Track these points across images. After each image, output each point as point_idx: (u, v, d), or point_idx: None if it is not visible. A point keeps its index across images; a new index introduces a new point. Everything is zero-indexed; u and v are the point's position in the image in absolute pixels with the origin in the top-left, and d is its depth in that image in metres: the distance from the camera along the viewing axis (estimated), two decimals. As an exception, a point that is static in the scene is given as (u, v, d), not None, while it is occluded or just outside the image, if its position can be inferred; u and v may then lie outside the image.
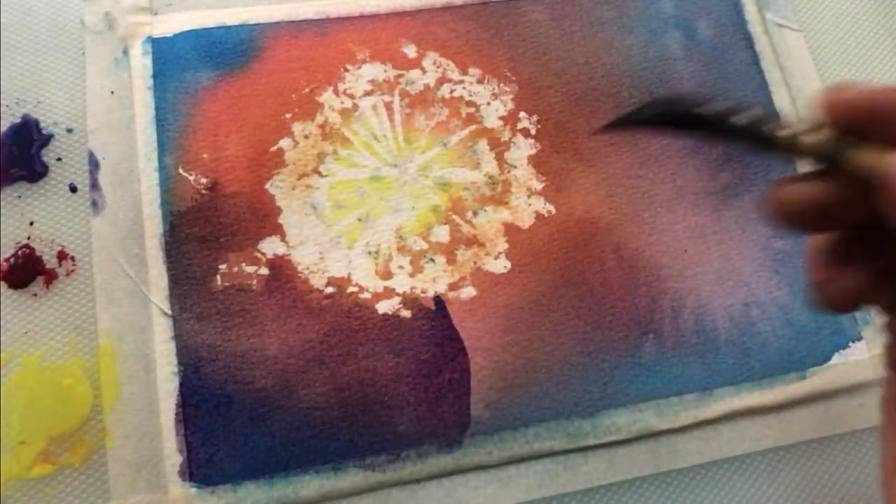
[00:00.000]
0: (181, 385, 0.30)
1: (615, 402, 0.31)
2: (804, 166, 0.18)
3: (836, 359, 0.33)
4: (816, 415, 0.32)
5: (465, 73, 0.36)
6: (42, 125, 0.33)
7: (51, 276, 0.31)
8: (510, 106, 0.35)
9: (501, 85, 0.36)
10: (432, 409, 0.30)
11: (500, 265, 0.33)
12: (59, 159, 0.32)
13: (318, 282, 0.32)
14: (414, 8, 0.36)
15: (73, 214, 0.32)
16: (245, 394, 0.30)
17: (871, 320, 0.34)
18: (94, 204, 0.32)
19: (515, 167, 0.34)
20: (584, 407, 0.31)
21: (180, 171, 0.32)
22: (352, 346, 0.31)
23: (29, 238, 0.31)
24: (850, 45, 0.39)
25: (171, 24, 0.35)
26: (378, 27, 0.36)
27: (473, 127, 0.35)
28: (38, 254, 0.31)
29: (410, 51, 0.36)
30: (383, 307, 0.31)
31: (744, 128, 0.18)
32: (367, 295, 0.32)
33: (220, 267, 0.31)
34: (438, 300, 0.32)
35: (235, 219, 0.32)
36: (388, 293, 0.32)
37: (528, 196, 0.34)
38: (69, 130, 0.33)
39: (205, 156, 0.33)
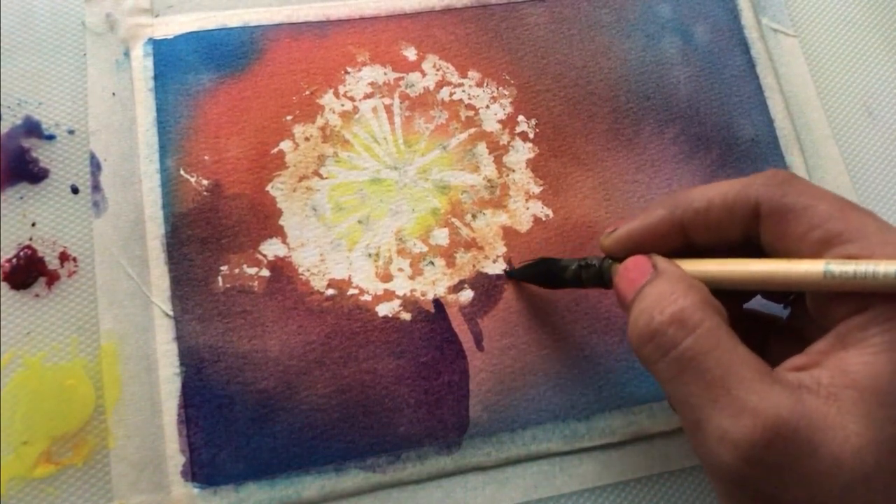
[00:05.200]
0: (183, 386, 0.30)
1: (610, 405, 0.32)
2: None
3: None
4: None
5: (464, 76, 0.36)
6: (44, 126, 0.33)
7: (53, 277, 0.31)
8: (509, 109, 0.36)
9: (500, 88, 0.36)
10: (432, 410, 0.31)
11: (499, 268, 0.33)
12: (60, 161, 0.33)
13: (318, 284, 0.32)
14: (414, 10, 0.37)
15: (74, 216, 0.32)
16: (247, 395, 0.30)
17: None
18: (96, 205, 0.32)
19: (514, 171, 0.35)
20: (579, 410, 0.31)
21: (182, 172, 0.33)
22: (352, 348, 0.31)
23: (31, 239, 0.31)
24: (844, 50, 0.40)
25: (173, 25, 0.35)
26: (378, 30, 0.36)
27: (472, 130, 0.35)
28: (39, 255, 0.31)
29: (410, 53, 0.36)
30: (383, 309, 0.32)
31: (576, 279, 0.29)
32: (367, 297, 0.32)
33: (222, 268, 0.32)
34: (438, 303, 0.32)
35: (237, 220, 0.32)
36: (389, 295, 0.32)
37: (526, 200, 0.34)
38: (71, 132, 0.33)
39: (206, 158, 0.33)
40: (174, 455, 0.29)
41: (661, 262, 0.25)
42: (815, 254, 0.23)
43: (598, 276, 0.28)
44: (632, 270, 0.25)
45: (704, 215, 0.25)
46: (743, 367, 0.21)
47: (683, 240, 0.26)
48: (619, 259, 0.27)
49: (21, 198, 0.32)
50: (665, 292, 0.23)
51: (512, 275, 0.33)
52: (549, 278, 0.31)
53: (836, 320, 0.22)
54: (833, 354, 0.22)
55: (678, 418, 0.32)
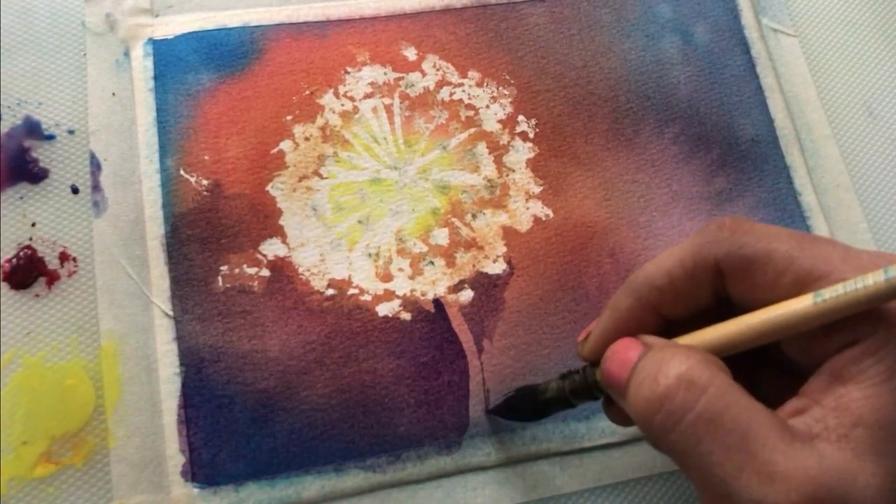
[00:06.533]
0: (183, 386, 0.30)
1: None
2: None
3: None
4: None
5: (464, 76, 0.36)
6: (44, 126, 0.33)
7: (53, 277, 0.31)
8: (509, 109, 0.36)
9: (500, 88, 0.36)
10: (432, 410, 0.31)
11: (499, 268, 0.33)
12: (60, 161, 0.33)
13: (318, 284, 0.32)
14: (414, 10, 0.37)
15: (74, 216, 0.32)
16: (247, 395, 0.30)
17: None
18: (96, 205, 0.32)
19: (514, 171, 0.35)
20: (579, 410, 0.31)
21: (182, 172, 0.33)
22: (352, 347, 0.31)
23: (31, 239, 0.31)
24: (845, 50, 0.40)
25: (173, 25, 0.35)
26: (378, 30, 0.36)
27: (472, 130, 0.35)
28: (39, 255, 0.31)
29: (410, 53, 0.36)
30: (383, 309, 0.32)
31: (560, 394, 0.27)
32: (367, 297, 0.32)
33: (222, 268, 0.32)
34: (438, 303, 0.32)
35: (236, 220, 0.32)
36: (389, 295, 0.32)
37: (527, 200, 0.34)
38: (70, 132, 0.33)
39: (206, 157, 0.33)
40: (174, 455, 0.29)
41: (649, 337, 0.24)
42: (792, 297, 0.22)
43: (583, 384, 0.26)
44: (621, 351, 0.24)
45: (670, 290, 0.24)
46: (762, 426, 0.20)
47: (658, 319, 0.25)
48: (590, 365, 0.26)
49: (21, 198, 0.32)
50: (665, 357, 0.22)
51: (493, 413, 0.31)
52: (532, 405, 0.28)
53: (825, 357, 0.22)
54: (830, 392, 0.21)
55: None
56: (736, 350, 0.23)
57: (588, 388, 0.26)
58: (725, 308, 0.24)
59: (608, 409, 0.27)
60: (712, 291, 0.24)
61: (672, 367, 0.22)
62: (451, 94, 0.36)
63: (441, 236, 0.33)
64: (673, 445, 0.21)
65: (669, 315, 0.25)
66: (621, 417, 0.26)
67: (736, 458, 0.20)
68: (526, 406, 0.29)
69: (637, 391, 0.22)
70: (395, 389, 0.31)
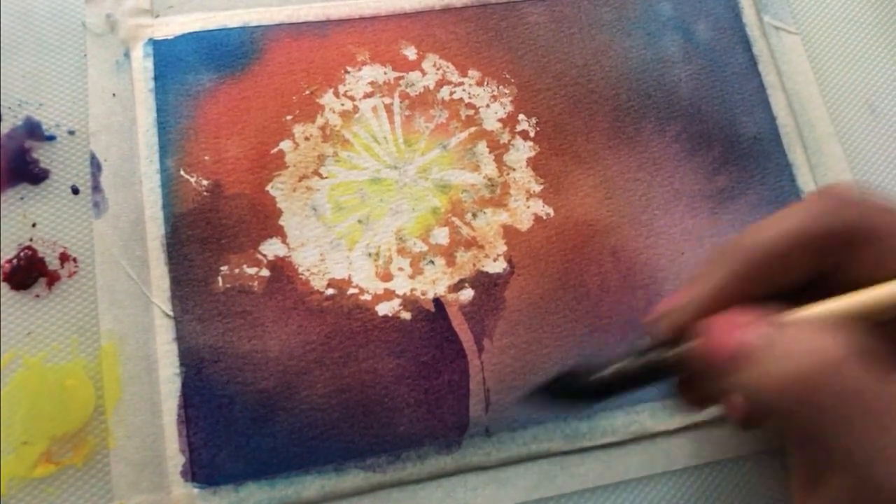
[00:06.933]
0: (183, 386, 0.30)
1: (611, 405, 0.31)
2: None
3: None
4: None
5: (464, 75, 0.36)
6: (44, 127, 0.33)
7: (53, 278, 0.31)
8: (509, 108, 0.36)
9: (501, 87, 0.36)
10: (432, 410, 0.31)
11: (499, 267, 0.33)
12: (60, 161, 0.33)
13: (318, 283, 0.32)
14: (414, 10, 0.37)
15: (74, 216, 0.32)
16: (247, 395, 0.30)
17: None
18: (96, 206, 0.32)
19: (514, 169, 0.35)
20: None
21: (182, 173, 0.33)
22: (352, 347, 0.31)
23: (31, 240, 0.31)
24: (847, 47, 0.39)
25: (173, 26, 0.35)
26: (378, 29, 0.36)
27: (473, 129, 0.35)
28: (40, 255, 0.31)
29: (410, 53, 0.36)
30: (383, 309, 0.32)
31: (632, 374, 0.24)
32: (367, 297, 0.32)
33: (222, 268, 0.32)
34: (438, 302, 0.32)
35: (237, 220, 0.32)
36: (389, 295, 0.32)
37: (527, 198, 0.34)
38: (71, 132, 0.33)
39: (206, 158, 0.33)
40: (174, 455, 0.29)
41: (767, 309, 0.22)
42: None
43: (659, 361, 0.24)
44: (735, 325, 0.22)
45: (782, 261, 0.23)
46: None
47: (755, 292, 0.23)
48: (670, 342, 0.24)
49: (21, 198, 0.32)
50: (797, 333, 0.21)
51: (535, 397, 0.26)
52: (588, 387, 0.25)
53: None
54: None
55: (680, 418, 0.31)
56: (875, 319, 0.22)
57: (666, 366, 0.24)
58: (821, 286, 0.23)
59: (682, 389, 0.25)
60: (819, 268, 0.23)
61: (806, 342, 0.20)
62: (452, 94, 0.36)
63: (441, 235, 0.33)
64: (803, 426, 0.20)
65: (764, 290, 0.23)
66: (698, 399, 0.25)
67: (877, 440, 0.19)
68: (579, 389, 0.25)
69: (763, 368, 0.21)
70: (395, 389, 0.31)
